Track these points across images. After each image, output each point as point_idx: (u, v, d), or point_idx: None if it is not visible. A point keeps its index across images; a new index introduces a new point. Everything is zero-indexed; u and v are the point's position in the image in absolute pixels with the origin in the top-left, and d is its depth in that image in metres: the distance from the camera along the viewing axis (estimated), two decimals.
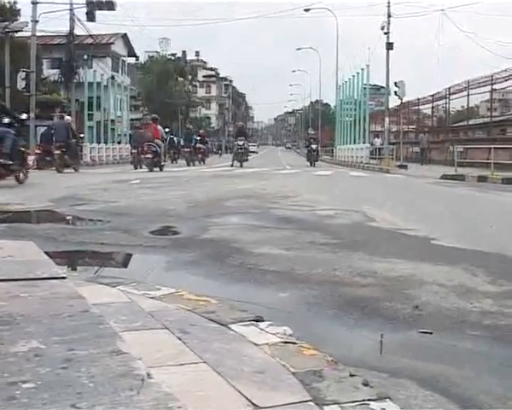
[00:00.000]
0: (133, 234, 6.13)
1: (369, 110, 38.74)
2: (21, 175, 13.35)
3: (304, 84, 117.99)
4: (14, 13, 35.23)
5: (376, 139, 38.86)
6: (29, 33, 29.46)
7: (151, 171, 20.98)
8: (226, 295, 3.55)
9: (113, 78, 42.20)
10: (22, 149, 13.73)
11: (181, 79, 66.77)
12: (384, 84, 32.98)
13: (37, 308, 2.21)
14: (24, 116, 14.88)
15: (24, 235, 5.65)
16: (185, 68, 71.91)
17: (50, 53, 40.70)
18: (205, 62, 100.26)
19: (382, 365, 2.55)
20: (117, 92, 40.96)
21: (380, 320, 3.20)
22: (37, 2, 28.62)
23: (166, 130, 29.02)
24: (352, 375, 2.15)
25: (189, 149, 28.55)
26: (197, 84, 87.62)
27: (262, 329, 2.73)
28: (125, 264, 5.25)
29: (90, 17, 29.87)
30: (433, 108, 37.56)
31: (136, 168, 23.26)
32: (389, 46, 30.61)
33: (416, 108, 40.31)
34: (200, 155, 29.76)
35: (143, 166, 22.58)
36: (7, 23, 29.79)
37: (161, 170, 21.63)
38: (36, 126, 26.74)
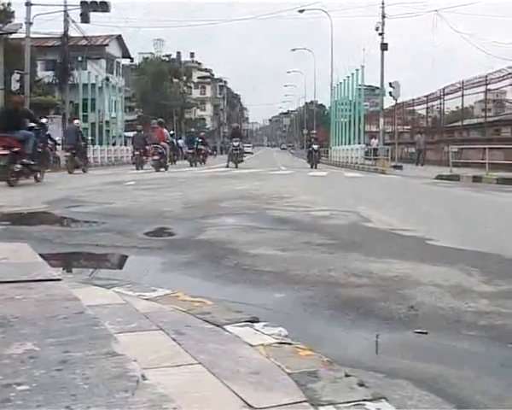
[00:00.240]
0: (128, 235, 6.12)
1: (363, 111, 38.80)
2: (39, 175, 14.62)
3: (299, 85, 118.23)
4: (7, 15, 35.19)
5: (373, 140, 38.82)
6: (23, 35, 29.41)
7: (157, 171, 22.06)
8: (222, 296, 3.54)
9: (107, 79, 42.14)
10: (40, 150, 14.90)
11: (176, 80, 66.78)
12: (379, 85, 33.00)
13: (31, 310, 2.20)
14: (44, 120, 17.05)
15: (19, 237, 5.64)
16: (180, 69, 71.87)
17: (45, 55, 40.64)
18: (199, 63, 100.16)
19: (378, 365, 2.55)
20: (111, 94, 40.94)
21: (375, 321, 3.20)
22: (31, 4, 28.59)
23: (171, 132, 31.90)
24: (347, 375, 2.15)
25: (191, 151, 30.12)
26: (192, 85, 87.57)
27: (257, 330, 2.73)
28: (120, 265, 5.25)
29: (84, 18, 29.83)
30: (427, 108, 37.60)
31: (137, 169, 24.12)
32: (384, 47, 30.66)
33: (411, 108, 40.36)
34: (201, 156, 31.19)
35: (144, 167, 24.06)
36: (1, 25, 29.78)
37: (166, 170, 22.88)
38: None
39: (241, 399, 1.92)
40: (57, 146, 23.58)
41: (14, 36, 32.14)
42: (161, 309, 3.04)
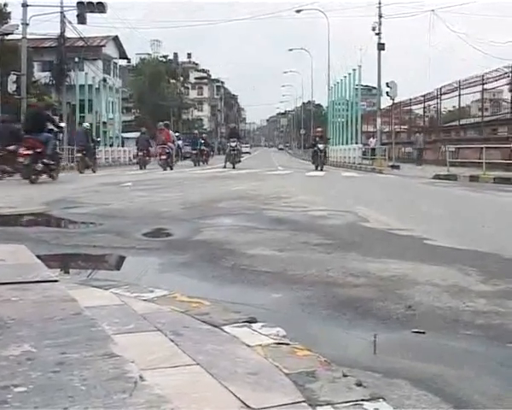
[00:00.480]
0: (126, 236, 6.11)
1: (361, 111, 38.80)
2: (54, 174, 15.71)
3: (296, 85, 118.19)
4: (4, 16, 35.11)
5: (372, 140, 38.82)
6: (20, 36, 29.37)
7: (165, 170, 23.82)
8: (219, 297, 3.54)
9: (104, 80, 42.14)
10: (57, 151, 16.32)
11: (173, 80, 66.73)
12: (376, 85, 33.00)
13: (28, 312, 2.19)
14: (62, 124, 19.17)
15: (16, 238, 5.62)
16: (177, 70, 71.82)
17: (41, 56, 40.60)
18: (197, 64, 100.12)
19: (376, 365, 2.55)
20: (108, 95, 40.97)
21: (373, 320, 3.20)
22: (28, 5, 28.55)
23: (176, 134, 33.90)
24: (345, 375, 2.15)
25: (195, 152, 31.72)
26: (189, 85, 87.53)
27: (255, 330, 2.73)
28: (117, 266, 5.25)
29: (81, 19, 29.76)
30: (424, 108, 37.64)
31: (141, 168, 25.87)
32: (380, 47, 30.67)
33: (408, 108, 40.38)
34: (204, 157, 32.63)
35: (147, 167, 25.94)
36: None
37: (172, 169, 24.42)
38: None
39: (240, 399, 1.91)
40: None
41: (10, 37, 32.11)
42: (159, 310, 3.04)
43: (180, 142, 36.32)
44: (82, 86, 36.06)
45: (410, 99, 39.24)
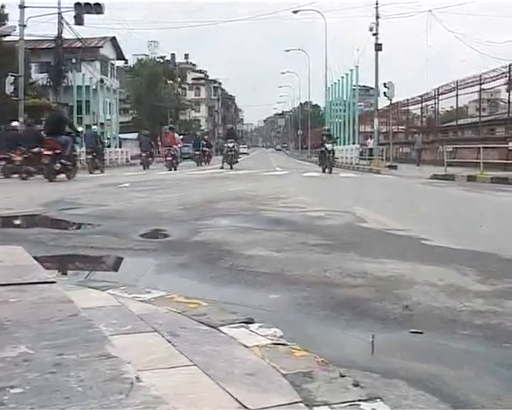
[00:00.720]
0: (124, 237, 6.11)
1: (358, 111, 38.81)
2: (71, 174, 17.04)
3: (293, 86, 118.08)
4: (1, 17, 35.06)
5: (369, 140, 38.80)
6: (17, 37, 29.30)
7: (170, 170, 25.41)
8: (217, 298, 3.54)
9: (101, 81, 42.11)
10: (75, 153, 17.82)
11: (170, 81, 66.69)
12: (373, 85, 33.01)
13: (26, 313, 2.19)
14: (80, 129, 20.67)
15: (13, 240, 5.62)
16: (174, 71, 71.78)
17: (39, 57, 40.48)
18: (194, 65, 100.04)
19: (373, 365, 2.55)
20: (106, 96, 40.92)
21: (371, 321, 3.20)
22: (25, 7, 28.49)
23: (181, 137, 35.79)
24: (342, 376, 2.15)
25: (198, 153, 32.82)
26: (186, 86, 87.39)
27: (252, 331, 2.73)
28: (115, 267, 5.24)
29: (78, 20, 29.69)
30: (422, 108, 37.65)
31: (144, 168, 27.81)
32: (377, 47, 30.68)
33: (406, 108, 40.40)
34: (206, 157, 33.84)
35: (150, 167, 27.95)
36: None
37: (176, 169, 25.75)
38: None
39: (237, 400, 1.91)
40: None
41: (7, 38, 32.06)
42: (156, 311, 3.04)
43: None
44: (79, 87, 35.97)
45: (408, 99, 39.24)
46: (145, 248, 5.59)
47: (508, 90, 26.59)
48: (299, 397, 1.97)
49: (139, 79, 59.36)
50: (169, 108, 60.43)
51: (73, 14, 29.71)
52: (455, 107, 32.61)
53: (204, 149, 33.58)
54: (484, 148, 21.36)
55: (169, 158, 26.79)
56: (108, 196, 11.13)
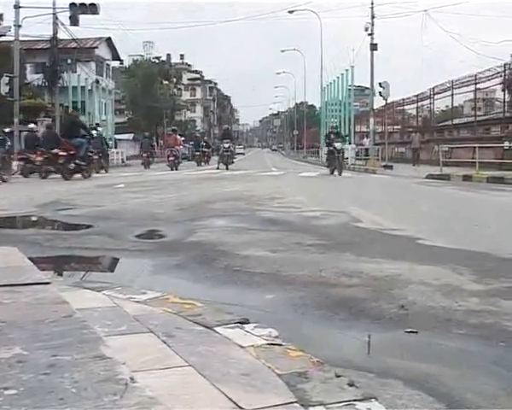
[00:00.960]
0: (120, 238, 6.11)
1: (354, 111, 38.89)
2: (86, 173, 18.57)
3: (289, 86, 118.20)
4: None
5: (365, 140, 38.79)
6: (12, 38, 29.25)
7: (172, 170, 26.70)
8: (212, 298, 3.54)
9: (97, 82, 42.06)
10: (90, 153, 19.19)
11: (166, 82, 66.55)
12: (369, 85, 33.03)
13: (20, 314, 2.19)
14: (94, 132, 22.72)
15: (8, 241, 5.60)
16: (170, 71, 71.67)
17: (34, 57, 40.40)
18: (189, 65, 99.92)
19: (369, 365, 2.55)
20: (101, 96, 40.89)
21: (366, 320, 3.20)
22: (20, 7, 28.44)
23: (182, 139, 37.21)
24: (337, 376, 2.15)
25: (198, 153, 34.14)
26: (182, 87, 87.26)
27: (248, 331, 2.73)
28: (110, 268, 5.23)
29: (74, 21, 29.62)
30: (417, 108, 37.71)
31: (145, 168, 29.37)
32: (373, 47, 30.68)
33: (401, 108, 40.45)
34: (205, 158, 34.93)
35: (151, 167, 29.79)
36: None
37: (177, 169, 27.05)
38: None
39: (232, 401, 1.91)
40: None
41: (2, 39, 32.05)
42: (151, 312, 3.03)
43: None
44: (75, 88, 36.01)
45: (403, 99, 39.31)
46: (141, 249, 5.59)
47: (503, 90, 26.67)
48: (295, 397, 1.97)
49: (134, 80, 59.24)
50: (164, 109, 60.32)
51: (68, 14, 29.67)
52: (450, 106, 32.67)
53: (204, 149, 34.86)
54: (479, 147, 21.39)
55: (171, 158, 28.35)
56: (107, 197, 11.12)
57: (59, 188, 13.95)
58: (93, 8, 28.88)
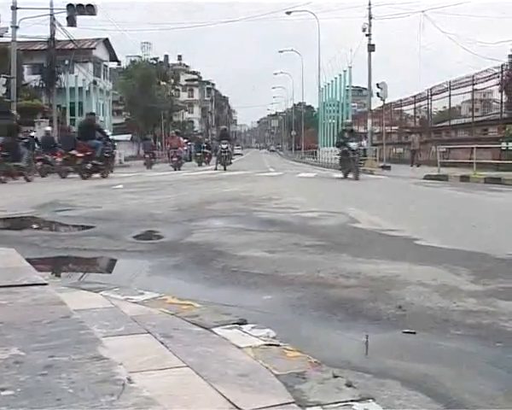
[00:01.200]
0: (117, 238, 6.10)
1: (351, 112, 38.87)
2: (104, 173, 19.70)
3: (287, 87, 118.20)
4: None
5: (363, 141, 38.71)
6: (9, 39, 29.21)
7: (175, 170, 27.74)
8: (210, 299, 3.54)
9: (94, 83, 42.07)
10: (107, 154, 20.25)
11: (163, 83, 66.51)
12: (366, 86, 33.03)
13: (17, 315, 2.18)
14: (109, 133, 24.19)
15: (5, 242, 5.60)
16: (167, 72, 71.62)
17: (31, 58, 40.31)
18: (187, 66, 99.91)
19: (366, 365, 2.55)
20: (99, 97, 40.92)
21: (364, 321, 3.21)
22: (18, 8, 28.41)
23: (185, 140, 38.93)
24: (335, 376, 2.15)
25: (199, 154, 35.82)
26: (180, 88, 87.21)
27: (245, 332, 2.73)
28: (108, 269, 5.23)
29: (71, 22, 29.61)
30: (415, 108, 37.72)
31: (147, 168, 30.60)
32: (371, 48, 30.68)
33: (399, 109, 40.47)
34: (206, 158, 36.30)
35: (152, 167, 31.08)
36: None
37: (179, 169, 28.01)
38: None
39: (230, 401, 1.91)
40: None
41: (0, 40, 31.95)
42: (149, 312, 3.03)
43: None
44: (72, 89, 35.98)
45: (401, 100, 39.31)
46: (138, 250, 5.58)
47: (500, 91, 26.68)
48: (292, 398, 1.97)
49: (132, 81, 59.19)
50: (162, 110, 60.29)
51: (66, 15, 29.65)
52: (448, 107, 32.67)
53: (205, 150, 36.29)
54: (477, 148, 21.42)
55: (175, 159, 29.73)
56: (106, 197, 11.11)
57: (60, 189, 13.94)
58: (90, 9, 28.88)
